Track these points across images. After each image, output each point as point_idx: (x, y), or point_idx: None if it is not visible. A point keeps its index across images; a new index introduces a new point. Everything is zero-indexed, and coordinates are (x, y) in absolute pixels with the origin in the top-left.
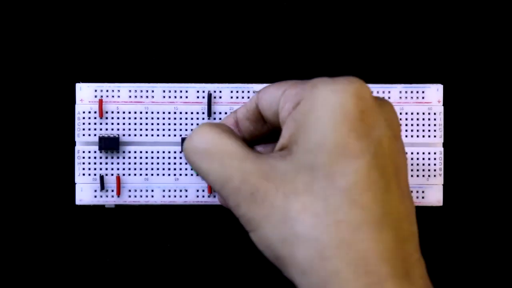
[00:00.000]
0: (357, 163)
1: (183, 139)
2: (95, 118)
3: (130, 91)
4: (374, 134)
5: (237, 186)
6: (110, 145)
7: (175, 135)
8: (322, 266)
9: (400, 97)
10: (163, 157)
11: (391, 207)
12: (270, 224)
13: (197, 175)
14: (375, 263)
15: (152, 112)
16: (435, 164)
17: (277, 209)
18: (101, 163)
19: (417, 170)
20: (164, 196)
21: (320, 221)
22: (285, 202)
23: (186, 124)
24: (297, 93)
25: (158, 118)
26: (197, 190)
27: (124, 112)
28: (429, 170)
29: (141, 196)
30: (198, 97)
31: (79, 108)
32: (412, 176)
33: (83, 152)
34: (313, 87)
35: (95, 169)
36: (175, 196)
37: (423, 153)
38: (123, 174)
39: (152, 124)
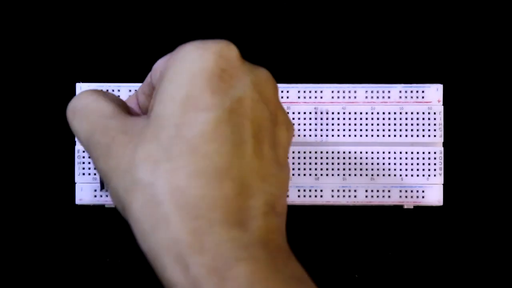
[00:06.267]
0: (205, 115)
1: None
2: None
3: (130, 91)
4: (233, 93)
5: (97, 139)
6: None
7: None
8: (154, 212)
9: (400, 97)
10: None
11: (240, 163)
12: (117, 174)
13: None
14: (206, 208)
15: None
16: (435, 164)
17: (124, 159)
18: None
19: (417, 169)
20: None
21: (158, 167)
22: (133, 151)
23: None
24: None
25: None
26: None
27: None
28: (429, 170)
29: None
30: None
31: None
32: (412, 176)
33: (83, 151)
34: (181, 46)
35: (95, 168)
36: None
37: (423, 152)
38: None
39: None
